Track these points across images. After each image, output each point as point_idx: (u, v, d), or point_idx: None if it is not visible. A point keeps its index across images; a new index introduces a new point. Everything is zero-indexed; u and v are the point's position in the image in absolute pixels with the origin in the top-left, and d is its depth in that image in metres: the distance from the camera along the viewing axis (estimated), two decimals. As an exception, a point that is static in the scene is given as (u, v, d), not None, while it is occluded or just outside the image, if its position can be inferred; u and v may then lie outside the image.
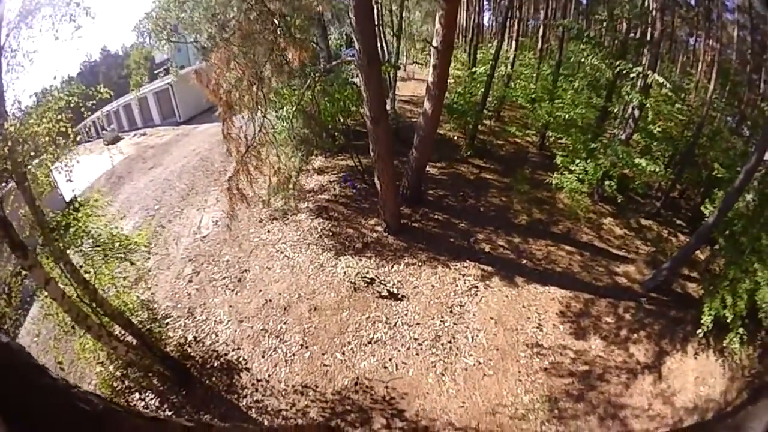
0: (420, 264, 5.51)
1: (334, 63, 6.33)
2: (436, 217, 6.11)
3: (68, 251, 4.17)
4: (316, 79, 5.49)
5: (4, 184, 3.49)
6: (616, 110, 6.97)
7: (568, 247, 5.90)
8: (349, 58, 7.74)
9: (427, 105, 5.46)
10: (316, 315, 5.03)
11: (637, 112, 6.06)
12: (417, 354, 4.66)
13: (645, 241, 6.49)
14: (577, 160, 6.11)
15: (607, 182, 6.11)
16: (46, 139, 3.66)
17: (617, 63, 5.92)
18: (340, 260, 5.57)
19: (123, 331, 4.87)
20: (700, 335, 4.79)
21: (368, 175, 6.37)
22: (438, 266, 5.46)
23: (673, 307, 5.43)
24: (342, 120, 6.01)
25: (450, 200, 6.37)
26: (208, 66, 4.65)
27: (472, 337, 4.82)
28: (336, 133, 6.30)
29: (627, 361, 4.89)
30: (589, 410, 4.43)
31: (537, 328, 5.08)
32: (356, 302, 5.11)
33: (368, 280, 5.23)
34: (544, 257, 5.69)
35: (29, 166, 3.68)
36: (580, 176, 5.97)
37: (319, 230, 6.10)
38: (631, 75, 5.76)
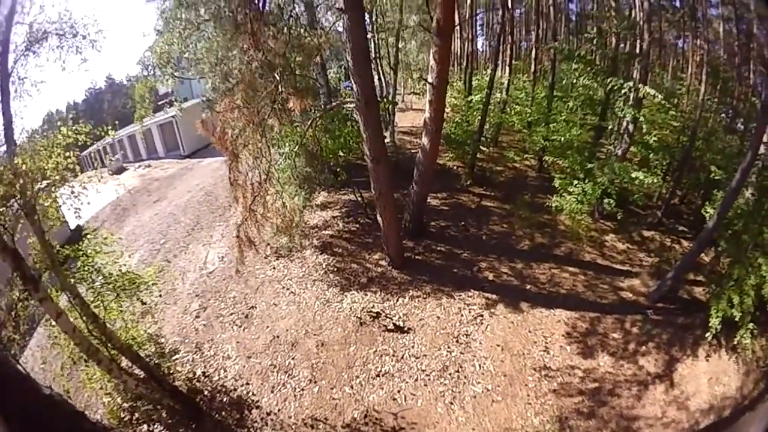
0: (425, 296, 5.57)
1: (333, 104, 6.47)
2: (438, 248, 6.19)
3: (78, 286, 4.26)
4: (317, 117, 5.67)
5: (12, 215, 3.50)
6: (610, 127, 7.13)
7: (571, 269, 5.95)
8: (349, 89, 8.06)
9: (425, 140, 5.62)
10: (323, 350, 5.06)
11: (631, 127, 6.15)
12: (425, 385, 4.65)
13: (648, 252, 6.51)
14: (575, 182, 6.21)
15: (606, 200, 6.16)
16: (55, 175, 3.76)
17: (609, 80, 6.07)
18: (345, 295, 5.63)
19: (131, 365, 4.91)
20: (710, 338, 4.78)
21: (370, 209, 6.52)
22: (442, 297, 5.52)
23: (681, 314, 5.44)
24: (343, 156, 6.20)
25: (452, 230, 6.47)
26: (213, 115, 4.86)
27: (480, 365, 4.81)
28: (338, 169, 6.48)
29: (637, 373, 4.87)
30: (600, 426, 4.41)
31: (544, 351, 5.07)
32: (363, 336, 5.15)
33: (374, 315, 5.28)
34: (547, 281, 5.73)
35: (39, 199, 3.73)
36: (579, 197, 6.05)
37: (323, 266, 6.19)
38: (623, 90, 5.91)
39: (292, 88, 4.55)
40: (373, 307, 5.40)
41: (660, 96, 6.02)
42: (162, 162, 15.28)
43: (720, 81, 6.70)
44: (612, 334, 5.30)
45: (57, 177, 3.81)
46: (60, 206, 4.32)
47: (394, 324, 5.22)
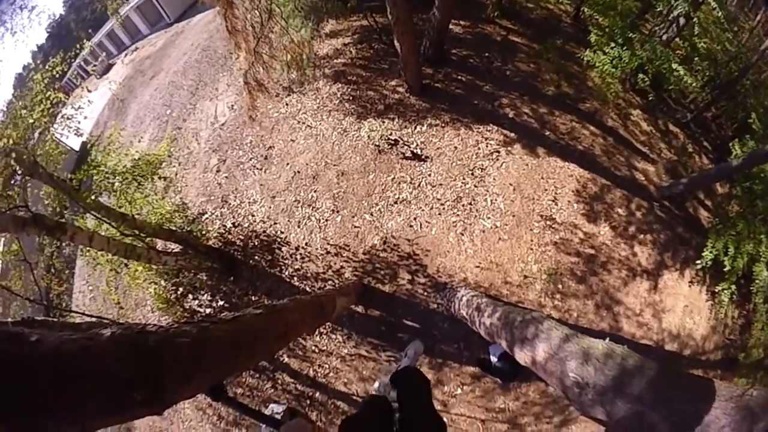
0: (443, 125, 5.49)
1: None
2: (459, 77, 5.87)
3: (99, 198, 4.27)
4: None
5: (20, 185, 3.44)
6: (660, 8, 6.26)
7: (592, 128, 5.80)
8: None
9: (451, -39, 4.84)
10: (343, 179, 5.24)
11: (682, 20, 5.39)
12: (439, 213, 4.96)
13: (669, 147, 6.27)
14: (612, 44, 5.65)
15: (640, 75, 5.74)
16: (44, 119, 3.60)
17: None
18: (362, 123, 5.56)
19: (167, 243, 5.15)
20: (699, 266, 4.87)
21: (385, 34, 5.98)
22: (461, 128, 5.44)
23: (682, 224, 5.48)
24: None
25: (475, 61, 6.03)
26: None
27: (491, 201, 5.05)
28: None
29: (630, 258, 5.08)
30: (588, 294, 4.77)
31: (552, 201, 5.26)
32: (381, 164, 5.25)
33: (392, 142, 5.30)
34: (567, 132, 5.63)
35: (37, 149, 3.67)
36: (614, 61, 5.58)
37: (338, 95, 5.97)
38: None
39: None
40: (391, 134, 5.39)
41: (721, 12, 5.30)
42: (149, 39, 13.90)
43: None
44: (617, 208, 5.41)
45: (46, 120, 3.59)
46: (59, 140, 4.04)
47: (412, 152, 5.28)
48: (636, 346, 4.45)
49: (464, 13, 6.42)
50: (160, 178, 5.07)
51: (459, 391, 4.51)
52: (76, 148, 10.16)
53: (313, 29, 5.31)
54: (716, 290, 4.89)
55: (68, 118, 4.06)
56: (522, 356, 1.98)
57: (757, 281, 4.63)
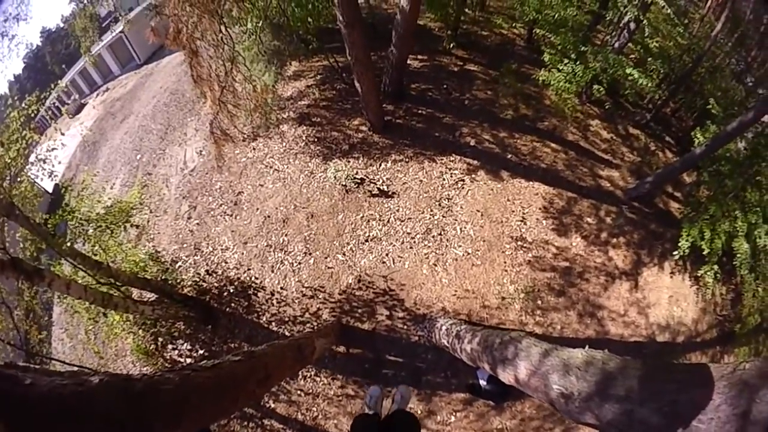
0: (407, 160, 5.59)
1: None
2: (419, 111, 6.03)
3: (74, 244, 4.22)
4: None
5: None
6: (610, 17, 6.53)
7: (553, 144, 5.98)
8: None
9: (404, 1, 5.04)
10: (314, 221, 5.26)
11: (632, 25, 5.62)
12: (411, 247, 5.02)
13: (631, 149, 6.49)
14: (566, 60, 5.87)
15: (596, 86, 5.94)
16: (20, 160, 3.61)
17: None
18: (329, 164, 5.62)
19: (142, 292, 5.07)
20: (677, 256, 4.92)
21: (346, 73, 6.12)
22: (425, 161, 5.56)
23: (654, 220, 5.58)
24: (313, 22, 5.58)
25: (433, 94, 6.21)
26: (162, 19, 4.25)
27: (461, 229, 5.13)
28: (308, 37, 5.90)
29: (606, 264, 5.18)
30: (568, 305, 4.82)
31: (521, 221, 5.37)
32: (350, 203, 5.31)
33: (358, 181, 5.37)
34: (529, 152, 5.80)
35: (13, 190, 3.62)
36: (568, 77, 5.79)
37: (303, 138, 6.04)
38: None
39: None
40: (357, 173, 5.47)
41: (670, 10, 5.47)
42: (120, 80, 13.87)
43: (738, 32, 6.07)
44: (587, 218, 5.54)
45: (21, 160, 3.60)
46: (34, 182, 4.06)
47: (379, 189, 5.36)
48: (626, 346, 4.67)
49: (421, 47, 6.64)
50: (132, 225, 5.00)
51: (452, 418, 4.48)
52: (50, 190, 9.98)
53: (276, 73, 5.41)
54: (699, 274, 4.94)
55: (43, 161, 4.04)
56: (505, 376, 2.01)
57: (738, 255, 4.65)
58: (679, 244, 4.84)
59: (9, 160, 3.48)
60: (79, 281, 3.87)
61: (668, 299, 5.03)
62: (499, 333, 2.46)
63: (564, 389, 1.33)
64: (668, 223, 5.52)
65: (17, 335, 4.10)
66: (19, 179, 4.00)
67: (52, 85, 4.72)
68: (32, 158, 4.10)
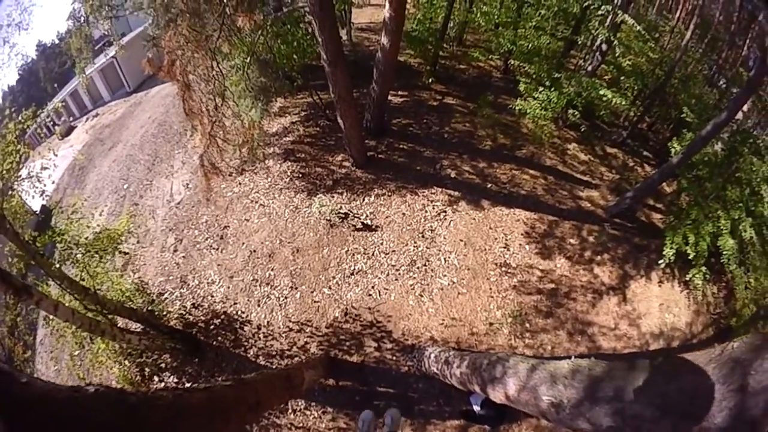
0: (389, 194, 5.72)
1: (285, 10, 5.92)
2: (401, 146, 6.21)
3: (62, 266, 4.19)
4: (268, 24, 5.19)
5: None
6: (582, 41, 6.84)
7: (532, 171, 6.18)
8: None
9: (384, 40, 5.27)
10: (299, 256, 5.30)
11: (604, 46, 5.92)
12: (396, 279, 5.07)
13: (609, 168, 6.72)
14: (541, 88, 6.12)
15: (570, 111, 6.19)
16: (12, 174, 3.65)
17: None
18: (313, 200, 5.71)
19: (128, 322, 5.03)
20: (663, 265, 4.99)
21: (330, 110, 6.31)
22: (407, 194, 5.69)
23: (637, 234, 5.69)
24: (297, 60, 5.78)
25: (414, 128, 6.42)
26: (158, 51, 4.45)
27: (445, 259, 5.22)
28: (293, 74, 6.09)
29: (592, 281, 5.25)
30: (557, 325, 4.86)
31: (504, 248, 5.49)
32: (334, 238, 5.38)
33: (342, 215, 5.46)
34: (508, 181, 5.98)
35: (4, 203, 3.65)
36: (543, 104, 6.02)
37: (288, 173, 6.14)
38: (600, 12, 5.57)
39: (239, 6, 4.20)
40: (341, 208, 5.55)
41: (640, 27, 5.68)
42: (109, 106, 13.95)
43: (709, 36, 6.39)
44: (569, 239, 5.68)
45: (14, 174, 3.65)
46: (23, 199, 4.10)
47: (363, 223, 5.45)
48: (621, 358, 4.60)
49: (402, 83, 6.92)
50: (120, 253, 4.96)
51: None
52: (37, 210, 9.83)
53: (262, 109, 5.55)
54: (688, 278, 4.97)
55: (36, 179, 4.02)
56: (496, 395, 2.01)
57: (725, 252, 4.67)
58: (664, 252, 4.92)
59: (2, 171, 3.49)
60: (66, 304, 3.81)
61: (659, 307, 5.08)
62: (487, 355, 2.49)
63: (553, 399, 1.34)
64: (651, 234, 5.64)
65: (1, 350, 3.99)
66: (10, 193, 3.99)
67: (48, 103, 4.80)
68: (23, 173, 4.08)
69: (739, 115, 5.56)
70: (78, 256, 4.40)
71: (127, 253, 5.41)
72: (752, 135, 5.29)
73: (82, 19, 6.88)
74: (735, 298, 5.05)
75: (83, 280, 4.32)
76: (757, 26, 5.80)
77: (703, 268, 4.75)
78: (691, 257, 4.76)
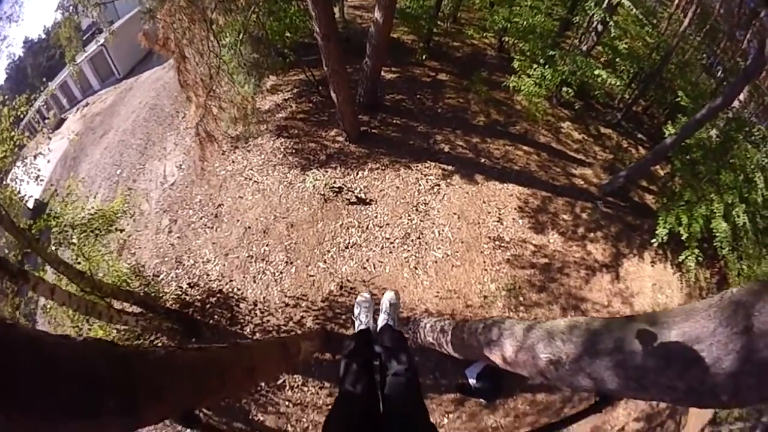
0: (383, 168, 5.73)
1: None
2: (394, 121, 6.21)
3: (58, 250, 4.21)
4: (260, 2, 5.14)
5: None
6: (578, 21, 6.80)
7: (525, 147, 6.21)
8: None
9: (378, 14, 5.23)
10: (294, 231, 5.31)
11: (600, 27, 5.87)
12: (390, 252, 5.11)
13: (603, 148, 6.71)
14: (535, 65, 6.10)
15: (565, 88, 6.18)
16: (9, 159, 3.66)
17: None
18: (307, 175, 5.71)
19: (126, 303, 5.05)
20: (655, 244, 5.02)
21: (323, 86, 6.28)
22: (400, 168, 5.70)
23: (630, 213, 5.71)
24: (290, 37, 5.74)
25: (407, 104, 6.42)
26: (154, 24, 4.45)
27: (439, 232, 5.26)
28: (286, 51, 6.05)
29: (585, 258, 5.28)
30: (551, 300, 4.92)
31: (498, 221, 5.54)
32: (328, 212, 5.39)
33: (336, 190, 5.47)
34: (501, 156, 6.01)
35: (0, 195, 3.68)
36: (538, 81, 6.01)
37: (282, 149, 6.13)
38: None
39: None
40: (335, 182, 5.56)
41: (637, 11, 5.67)
42: (99, 95, 13.75)
43: (707, 26, 6.34)
44: (562, 215, 5.71)
45: (9, 161, 3.66)
46: (18, 186, 4.08)
47: (357, 197, 5.47)
48: None
49: (394, 59, 6.87)
50: (117, 230, 4.95)
51: (445, 420, 4.47)
52: (30, 206, 9.78)
53: (255, 85, 5.53)
54: (681, 260, 5.00)
55: (28, 165, 4.07)
56: (493, 358, 1.99)
57: (718, 235, 4.68)
58: (657, 232, 4.94)
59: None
60: (63, 288, 3.84)
61: (651, 287, 5.13)
62: (483, 320, 2.50)
63: (552, 356, 1.30)
64: (645, 214, 5.68)
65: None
66: (4, 182, 3.99)
67: (42, 88, 4.79)
68: (18, 164, 4.11)
69: (736, 104, 5.60)
70: (74, 239, 4.39)
71: (123, 230, 5.39)
72: (747, 122, 5.32)
73: (71, 8, 6.83)
74: (728, 284, 5.10)
75: (79, 263, 4.32)
76: (758, 22, 5.79)
77: (696, 251, 4.77)
78: (684, 238, 4.78)
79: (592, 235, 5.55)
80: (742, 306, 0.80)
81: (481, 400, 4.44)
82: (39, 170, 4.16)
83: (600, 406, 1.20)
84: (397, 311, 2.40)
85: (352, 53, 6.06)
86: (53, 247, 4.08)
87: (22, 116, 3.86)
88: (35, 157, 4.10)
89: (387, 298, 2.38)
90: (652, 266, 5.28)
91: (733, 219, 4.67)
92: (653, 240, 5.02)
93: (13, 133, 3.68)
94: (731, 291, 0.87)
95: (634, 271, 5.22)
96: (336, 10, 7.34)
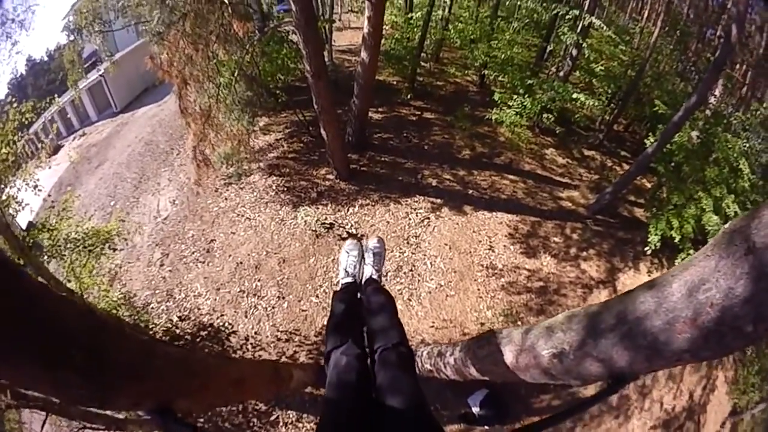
0: (373, 204, 5.87)
1: (271, 27, 6.26)
2: (382, 159, 6.42)
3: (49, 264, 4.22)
4: (255, 41, 5.46)
5: None
6: (554, 48, 7.22)
7: (511, 176, 6.43)
8: (283, 12, 7.53)
9: (363, 55, 5.56)
10: (285, 266, 5.34)
11: (575, 51, 6.19)
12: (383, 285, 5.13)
13: (588, 169, 6.95)
14: (515, 96, 6.41)
15: (545, 115, 6.43)
16: (11, 160, 3.76)
17: (553, 6, 6.04)
18: (298, 211, 5.81)
19: None
20: (649, 252, 5.07)
21: (313, 127, 6.51)
22: (390, 203, 5.85)
23: (621, 228, 5.83)
24: (282, 78, 6.02)
25: (394, 142, 6.66)
26: (161, 49, 4.72)
27: (431, 263, 5.33)
28: (277, 91, 6.32)
29: (580, 276, 5.35)
30: None
31: (489, 249, 5.64)
32: (320, 247, 5.45)
33: (328, 226, 5.57)
34: (488, 186, 6.20)
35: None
36: (519, 110, 6.29)
37: (273, 187, 6.26)
38: (568, 17, 5.90)
39: (234, 13, 4.58)
40: (326, 218, 5.66)
41: (608, 29, 5.98)
42: (96, 126, 13.95)
43: (678, 31, 6.72)
44: (553, 238, 5.83)
45: (11, 164, 3.75)
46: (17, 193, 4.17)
47: (348, 232, 5.55)
48: None
49: (381, 100, 7.22)
50: (111, 248, 4.96)
51: None
52: (23, 226, 9.68)
53: (249, 122, 5.74)
54: (676, 264, 4.97)
55: (28, 181, 4.07)
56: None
57: (710, 229, 4.63)
58: (649, 240, 4.97)
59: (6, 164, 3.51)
60: None
61: None
62: (477, 337, 2.43)
63: (554, 349, 1.25)
64: (635, 227, 5.78)
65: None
66: (2, 187, 3.98)
67: (49, 99, 4.86)
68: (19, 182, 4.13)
69: (713, 101, 5.71)
70: (67, 254, 4.35)
71: (116, 249, 5.37)
72: (724, 116, 5.46)
73: (76, 32, 7.17)
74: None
75: (70, 281, 4.27)
76: (727, 14, 5.96)
77: (691, 251, 4.76)
78: (677, 240, 4.77)
79: (584, 253, 5.65)
80: (738, 232, 0.75)
81: (486, 427, 4.33)
82: (38, 180, 4.18)
83: (615, 388, 1.13)
84: (382, 261, 1.97)
85: (340, 95, 6.35)
86: (45, 259, 4.05)
87: (27, 123, 3.92)
88: (35, 168, 4.14)
89: (370, 245, 1.94)
90: (649, 275, 5.35)
91: (724, 210, 4.68)
92: (646, 248, 5.07)
93: (14, 137, 3.73)
94: (723, 227, 0.84)
95: (631, 282, 5.28)
96: (325, 53, 7.76)
